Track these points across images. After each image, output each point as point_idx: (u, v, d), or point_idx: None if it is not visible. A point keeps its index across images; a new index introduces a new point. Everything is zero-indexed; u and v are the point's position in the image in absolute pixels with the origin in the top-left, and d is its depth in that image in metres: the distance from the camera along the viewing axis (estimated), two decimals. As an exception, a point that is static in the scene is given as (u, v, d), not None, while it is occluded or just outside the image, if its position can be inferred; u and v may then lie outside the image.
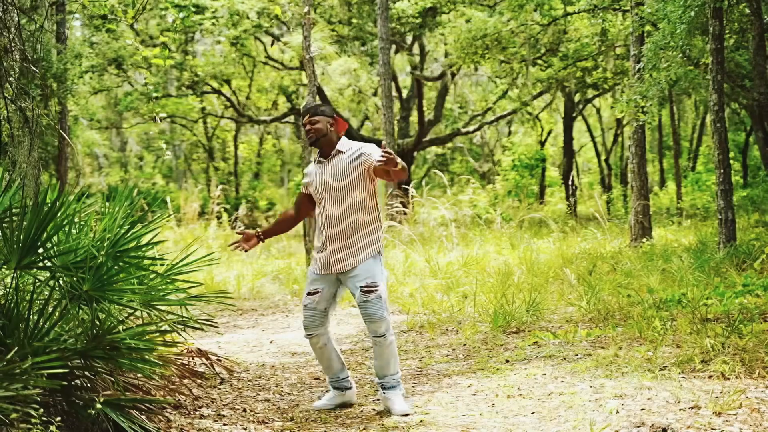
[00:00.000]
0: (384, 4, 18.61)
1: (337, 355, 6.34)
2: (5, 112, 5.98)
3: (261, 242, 6.47)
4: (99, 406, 4.97)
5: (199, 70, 26.86)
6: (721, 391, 5.82)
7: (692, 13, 11.76)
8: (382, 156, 5.67)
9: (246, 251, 6.43)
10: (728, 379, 6.18)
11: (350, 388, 6.38)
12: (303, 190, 6.40)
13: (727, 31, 14.68)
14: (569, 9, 20.46)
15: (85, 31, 22.42)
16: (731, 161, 27.40)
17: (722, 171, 11.87)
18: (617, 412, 5.58)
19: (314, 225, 6.41)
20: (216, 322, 6.54)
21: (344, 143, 6.23)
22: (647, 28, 14.87)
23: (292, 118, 29.75)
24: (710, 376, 6.30)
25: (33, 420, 4.57)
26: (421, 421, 5.81)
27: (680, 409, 5.51)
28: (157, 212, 6.40)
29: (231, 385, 7.16)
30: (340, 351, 8.55)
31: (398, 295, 11.15)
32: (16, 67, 6.24)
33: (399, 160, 5.79)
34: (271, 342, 9.19)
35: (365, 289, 6.01)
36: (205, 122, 34.10)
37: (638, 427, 5.21)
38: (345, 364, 6.42)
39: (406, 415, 5.96)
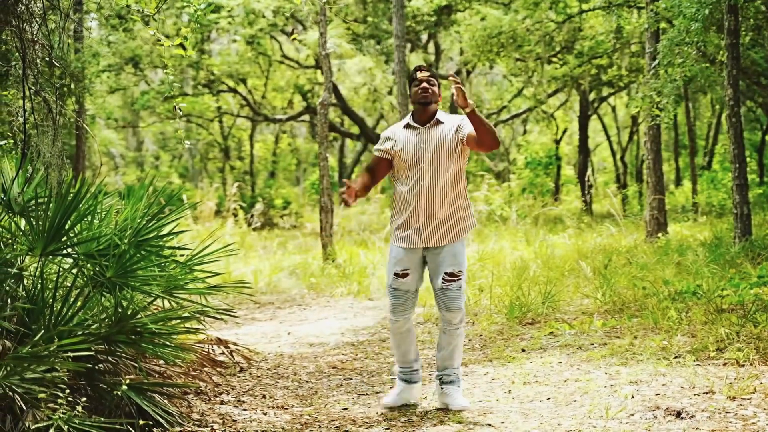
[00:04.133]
0: (399, 2, 18.68)
1: (414, 343, 6.02)
2: (29, 103, 6.08)
3: (357, 198, 5.72)
4: (124, 387, 5.07)
5: (215, 69, 27.01)
6: (736, 377, 5.89)
7: (707, 11, 11.80)
8: (456, 87, 5.34)
9: (348, 206, 5.67)
10: (743, 365, 6.24)
11: (418, 381, 6.02)
12: (380, 154, 5.95)
13: (742, 28, 14.69)
14: (584, 6, 20.50)
15: (101, 30, 22.57)
16: (747, 159, 27.33)
17: (738, 166, 11.90)
18: (632, 397, 5.65)
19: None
20: (235, 313, 6.64)
21: (442, 114, 5.89)
22: (662, 24, 14.91)
23: (307, 117, 29.85)
24: (725, 363, 6.36)
25: (60, 401, 4.68)
26: (439, 408, 5.88)
27: (695, 394, 5.58)
28: (175, 207, 6.46)
29: (250, 374, 7.26)
30: (359, 342, 8.64)
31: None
32: (38, 60, 6.34)
33: (487, 121, 5.47)
34: (288, 333, 9.28)
35: (448, 276, 5.72)
36: (220, 121, 34.25)
37: (653, 411, 5.28)
38: (419, 354, 6.10)
39: (464, 410, 5.73)
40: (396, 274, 5.84)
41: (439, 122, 5.83)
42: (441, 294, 5.75)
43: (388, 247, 14.86)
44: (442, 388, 5.88)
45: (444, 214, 5.78)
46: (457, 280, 5.75)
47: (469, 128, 5.68)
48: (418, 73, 5.85)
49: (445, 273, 5.74)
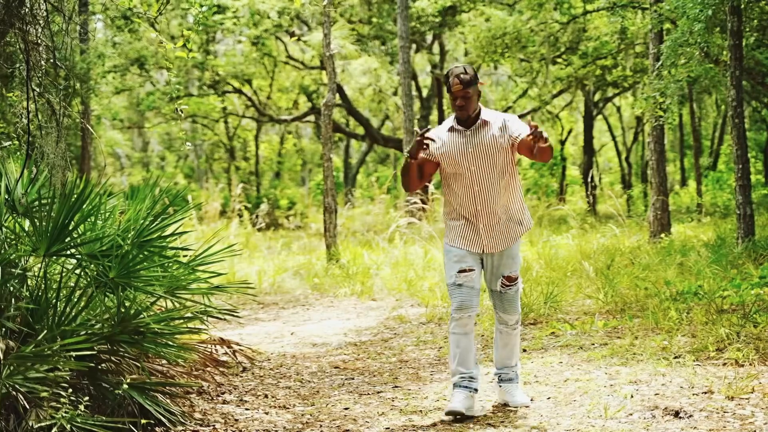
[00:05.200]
0: (404, 3, 18.72)
1: (474, 348, 5.78)
2: (33, 104, 6.13)
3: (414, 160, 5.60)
4: (126, 387, 5.12)
5: (221, 70, 27.08)
6: (735, 377, 5.91)
7: (710, 12, 11.80)
8: (532, 132, 5.15)
9: (414, 158, 5.53)
10: (742, 365, 6.27)
11: (477, 390, 5.76)
12: (426, 155, 5.71)
13: (747, 29, 14.69)
14: (589, 7, 20.51)
15: (107, 31, 22.66)
16: (753, 160, 27.36)
17: (741, 166, 11.91)
18: (632, 396, 5.69)
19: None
20: (238, 313, 6.67)
21: (486, 112, 5.69)
22: (666, 25, 14.91)
23: (312, 118, 29.90)
24: (724, 363, 6.39)
25: (62, 400, 4.72)
26: (439, 408, 5.92)
27: (693, 394, 5.62)
28: (179, 208, 6.50)
29: (253, 373, 7.31)
30: (361, 342, 8.68)
31: (418, 288, 11.28)
32: (42, 62, 6.40)
33: (546, 135, 5.24)
34: (292, 334, 9.32)
35: (507, 280, 5.71)
36: (226, 122, 34.33)
37: (652, 410, 5.32)
38: (478, 362, 5.94)
39: (527, 407, 5.72)
40: (460, 271, 5.65)
41: (485, 123, 5.65)
42: (498, 296, 5.74)
43: (390, 246, 14.90)
44: (500, 386, 5.89)
45: (501, 217, 5.69)
46: (516, 283, 5.74)
47: (518, 129, 5.57)
48: (453, 85, 5.57)
49: (504, 276, 5.71)
